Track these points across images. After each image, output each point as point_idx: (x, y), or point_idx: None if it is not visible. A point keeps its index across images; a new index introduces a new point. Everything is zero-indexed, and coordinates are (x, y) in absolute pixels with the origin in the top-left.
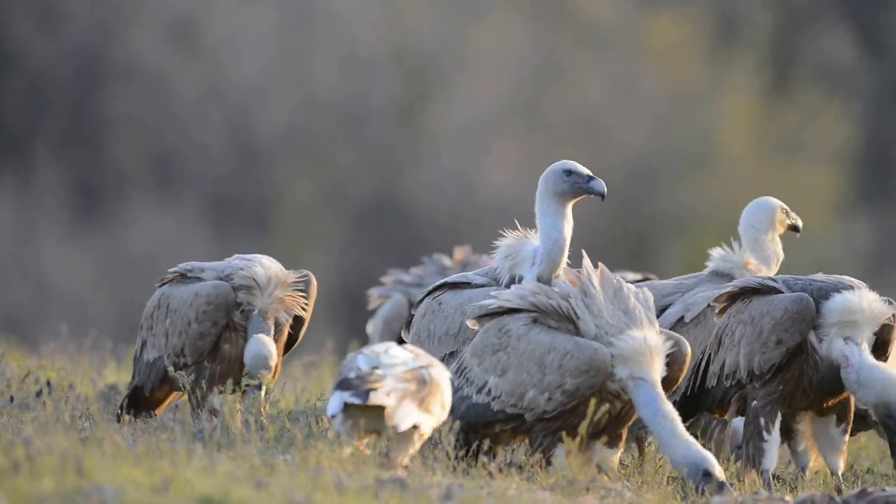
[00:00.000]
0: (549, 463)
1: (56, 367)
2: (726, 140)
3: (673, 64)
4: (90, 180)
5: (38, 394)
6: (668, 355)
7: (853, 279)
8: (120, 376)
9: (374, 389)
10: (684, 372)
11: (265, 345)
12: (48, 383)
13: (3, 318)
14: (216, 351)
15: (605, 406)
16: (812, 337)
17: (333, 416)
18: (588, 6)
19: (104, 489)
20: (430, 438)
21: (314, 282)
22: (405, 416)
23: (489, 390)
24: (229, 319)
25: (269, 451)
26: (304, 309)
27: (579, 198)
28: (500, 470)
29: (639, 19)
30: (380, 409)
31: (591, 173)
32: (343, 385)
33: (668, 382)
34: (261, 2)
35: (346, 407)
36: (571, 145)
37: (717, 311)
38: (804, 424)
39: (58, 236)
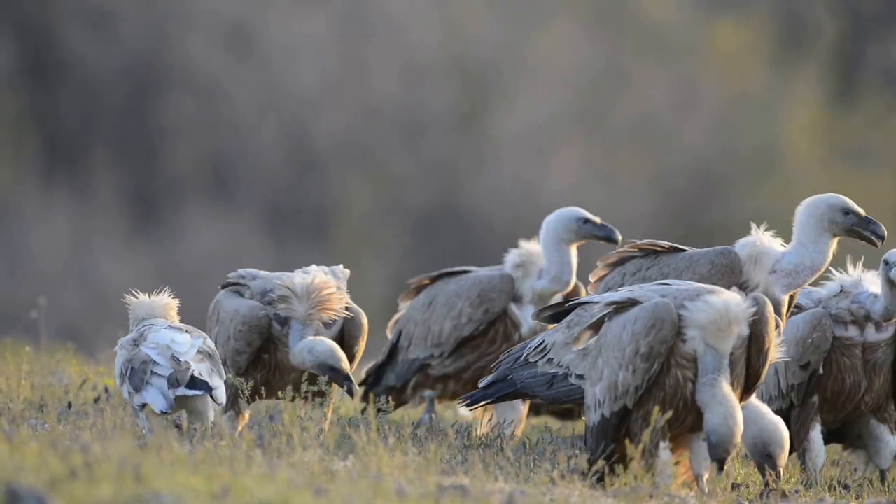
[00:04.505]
0: (648, 469)
1: (113, 374)
2: (790, 147)
3: (736, 70)
4: (146, 188)
5: (96, 400)
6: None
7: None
8: None
9: (197, 378)
10: (770, 327)
11: (317, 345)
12: (106, 390)
13: (61, 325)
14: (257, 361)
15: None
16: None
17: (164, 412)
18: (650, 11)
19: (162, 496)
20: (491, 445)
21: (364, 322)
22: (217, 388)
23: (599, 401)
24: (269, 335)
25: (329, 457)
26: (346, 311)
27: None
28: (563, 476)
29: (702, 24)
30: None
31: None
32: (170, 382)
33: (756, 342)
34: (318, 9)
35: (177, 399)
36: (632, 151)
37: None
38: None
39: (114, 243)
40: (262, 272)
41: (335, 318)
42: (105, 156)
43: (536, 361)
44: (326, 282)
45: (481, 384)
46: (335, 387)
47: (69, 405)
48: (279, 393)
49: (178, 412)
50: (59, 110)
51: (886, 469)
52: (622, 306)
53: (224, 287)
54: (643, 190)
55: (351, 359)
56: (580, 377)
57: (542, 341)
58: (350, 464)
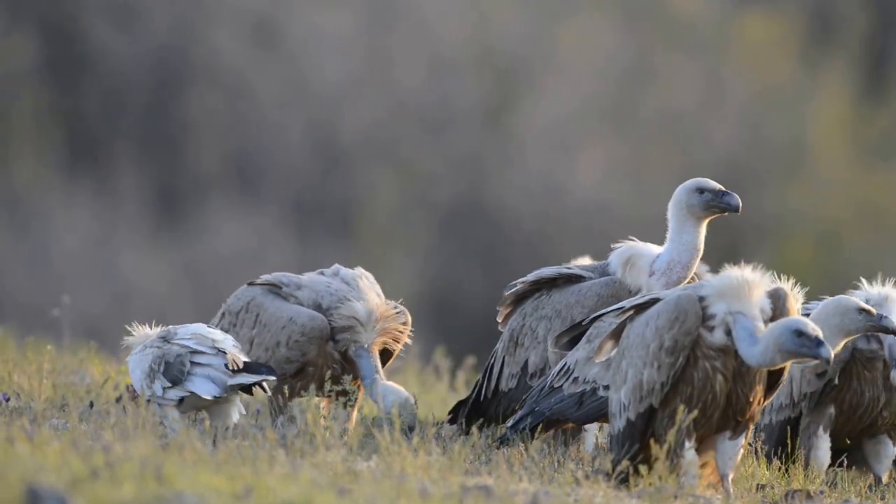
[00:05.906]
0: (673, 470)
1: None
2: (819, 142)
3: (765, 64)
4: (170, 184)
5: (118, 400)
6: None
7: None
8: None
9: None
10: (791, 303)
11: (400, 392)
12: (128, 389)
13: (83, 323)
14: (300, 371)
15: (721, 382)
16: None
17: (216, 397)
18: (678, 4)
19: (185, 496)
20: (515, 445)
21: (408, 317)
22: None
23: (624, 405)
24: (321, 349)
25: (352, 457)
26: (400, 339)
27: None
28: (587, 476)
29: (730, 18)
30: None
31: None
32: (228, 368)
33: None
34: (343, 3)
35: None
36: (659, 146)
37: None
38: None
39: (137, 240)
40: (303, 279)
41: (398, 344)
42: (129, 152)
43: (562, 385)
44: (384, 308)
45: (508, 423)
46: (361, 387)
47: (91, 404)
48: (301, 392)
49: (202, 408)
50: (82, 106)
51: (882, 476)
52: (644, 306)
53: (252, 286)
54: (670, 185)
55: (391, 354)
56: (608, 387)
57: (565, 364)
58: (373, 464)
